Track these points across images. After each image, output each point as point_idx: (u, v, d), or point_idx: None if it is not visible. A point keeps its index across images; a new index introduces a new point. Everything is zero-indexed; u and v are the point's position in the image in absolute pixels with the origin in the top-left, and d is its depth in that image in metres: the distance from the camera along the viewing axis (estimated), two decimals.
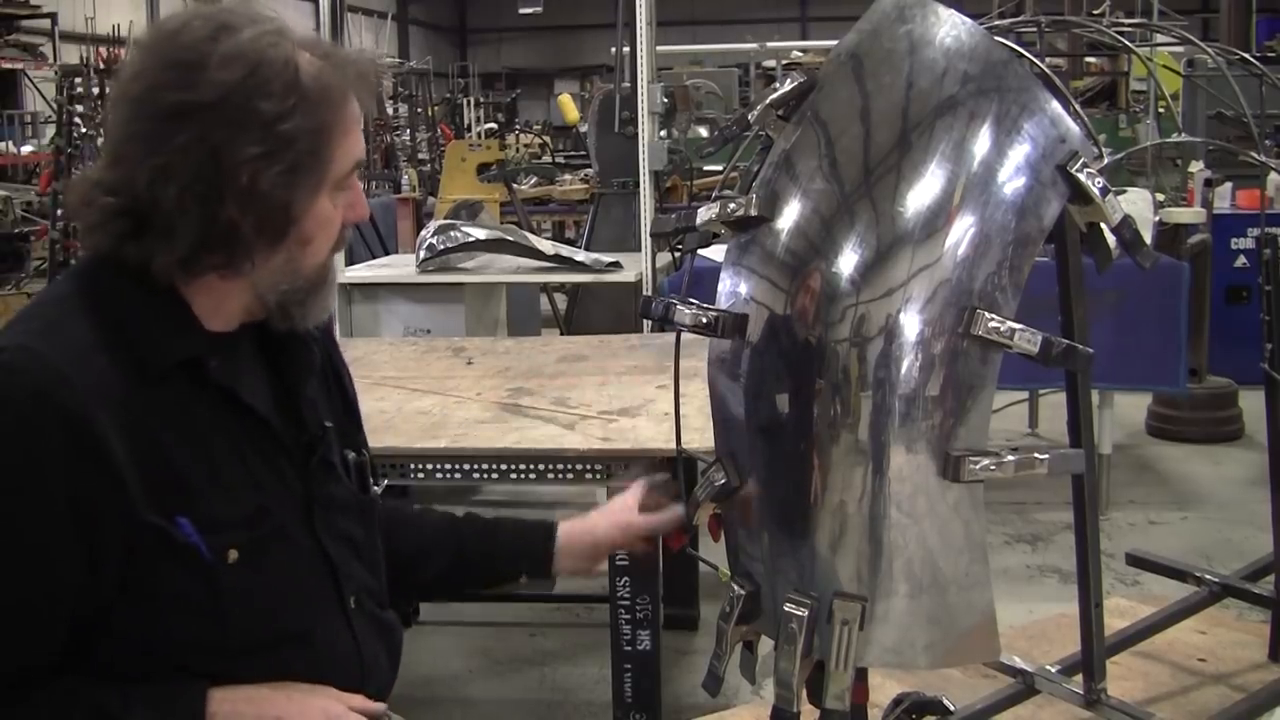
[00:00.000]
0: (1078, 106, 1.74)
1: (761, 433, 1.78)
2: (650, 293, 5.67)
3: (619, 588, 3.26)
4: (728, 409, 1.83)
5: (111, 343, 1.43)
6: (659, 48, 6.14)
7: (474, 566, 1.96)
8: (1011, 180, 1.69)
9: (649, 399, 3.57)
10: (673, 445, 3.13)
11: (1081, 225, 1.78)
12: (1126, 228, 1.74)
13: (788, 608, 1.73)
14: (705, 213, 1.81)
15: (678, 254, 6.20)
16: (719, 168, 8.31)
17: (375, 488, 1.73)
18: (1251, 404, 6.82)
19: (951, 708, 2.21)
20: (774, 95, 1.82)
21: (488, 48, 32.26)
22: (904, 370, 1.67)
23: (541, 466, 3.12)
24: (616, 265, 5.80)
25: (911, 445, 1.69)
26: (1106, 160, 1.73)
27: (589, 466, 3.12)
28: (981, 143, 1.69)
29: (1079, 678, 2.27)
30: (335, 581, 1.59)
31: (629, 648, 3.27)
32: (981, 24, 1.84)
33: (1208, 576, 2.58)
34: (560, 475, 3.14)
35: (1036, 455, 1.71)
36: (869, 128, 1.74)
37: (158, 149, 1.41)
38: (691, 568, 4.54)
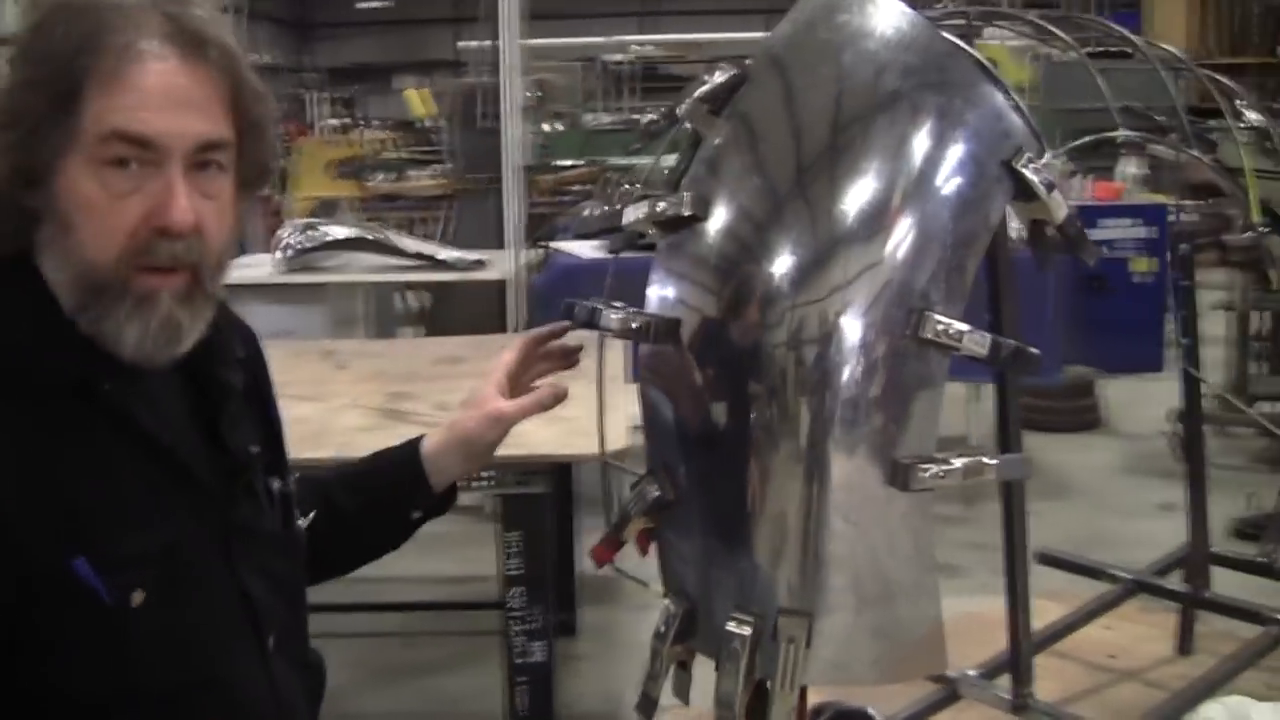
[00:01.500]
0: (1018, 100, 1.68)
1: (697, 442, 1.69)
2: (515, 292, 5.56)
3: (511, 598, 3.15)
4: (660, 418, 1.74)
5: None
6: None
7: (362, 533, 1.78)
8: (956, 176, 1.63)
9: None
10: (571, 451, 3.06)
11: (1024, 223, 1.72)
12: (1071, 225, 1.69)
13: (730, 626, 1.65)
14: (633, 212, 1.72)
15: (541, 249, 6.09)
16: (575, 162, 8.22)
17: (300, 521, 1.59)
18: (1108, 392, 6.96)
19: (877, 718, 2.15)
20: (703, 89, 1.73)
21: (330, 42, 31.68)
22: (848, 375, 1.60)
23: None
24: (481, 264, 5.67)
25: (857, 453, 1.61)
26: (1049, 156, 1.67)
27: (481, 474, 3.00)
28: (925, 138, 1.63)
29: (1001, 680, 2.24)
30: (254, 621, 1.46)
31: (521, 659, 3.17)
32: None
33: (1121, 574, 2.56)
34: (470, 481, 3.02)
35: (985, 460, 1.65)
36: (805, 123, 1.67)
37: None
38: (568, 571, 4.45)
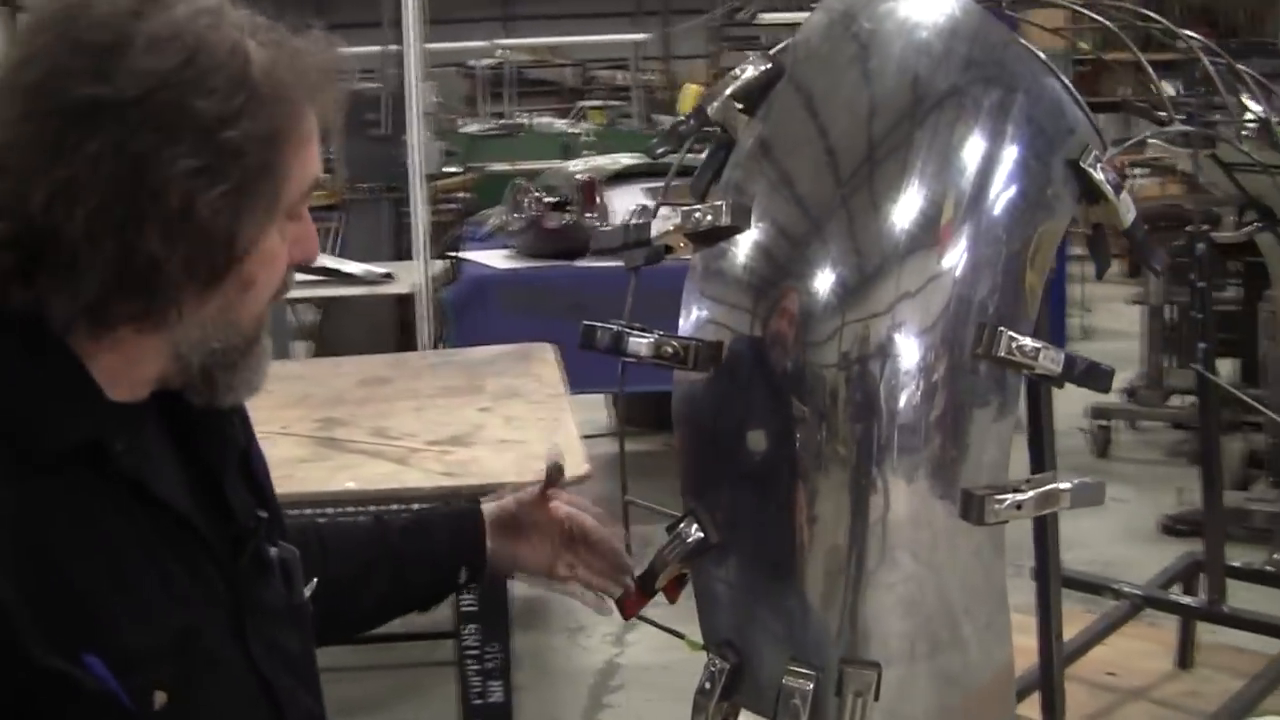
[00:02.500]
0: (1076, 93, 1.54)
1: (744, 479, 1.53)
2: (428, 306, 5.35)
3: (466, 635, 2.96)
4: (701, 453, 1.57)
5: None
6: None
7: (415, 574, 1.60)
8: (1022, 178, 1.49)
9: (477, 425, 3.27)
10: (520, 478, 2.88)
11: (1086, 226, 1.58)
12: (1138, 229, 1.56)
13: (788, 680, 1.49)
14: (663, 223, 1.55)
15: (451, 258, 5.87)
16: (456, 170, 8.02)
17: (305, 590, 1.39)
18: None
19: None
20: (735, 85, 1.57)
21: None
22: (917, 400, 1.45)
23: (395, 508, 2.79)
24: (389, 277, 5.46)
25: (929, 486, 1.47)
26: (1111, 152, 1.54)
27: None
28: (988, 137, 1.49)
29: (1023, 709, 2.10)
30: (278, 712, 1.26)
31: (479, 700, 2.98)
32: None
33: (1128, 589, 2.45)
34: None
35: (1059, 487, 1.51)
36: (856, 120, 1.51)
37: (60, 158, 1.06)
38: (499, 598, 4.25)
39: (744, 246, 1.52)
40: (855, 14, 1.55)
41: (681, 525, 1.55)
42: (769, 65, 1.56)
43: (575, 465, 2.89)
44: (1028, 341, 1.45)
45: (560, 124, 12.69)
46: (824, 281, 1.47)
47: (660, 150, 1.59)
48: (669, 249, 1.58)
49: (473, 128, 11.57)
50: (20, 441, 1.08)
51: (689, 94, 10.40)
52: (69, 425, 1.10)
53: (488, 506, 1.61)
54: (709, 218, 1.51)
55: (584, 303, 5.56)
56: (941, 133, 1.48)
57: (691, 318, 1.55)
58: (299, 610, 1.35)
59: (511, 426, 3.24)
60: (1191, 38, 1.80)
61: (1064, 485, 1.51)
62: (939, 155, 1.47)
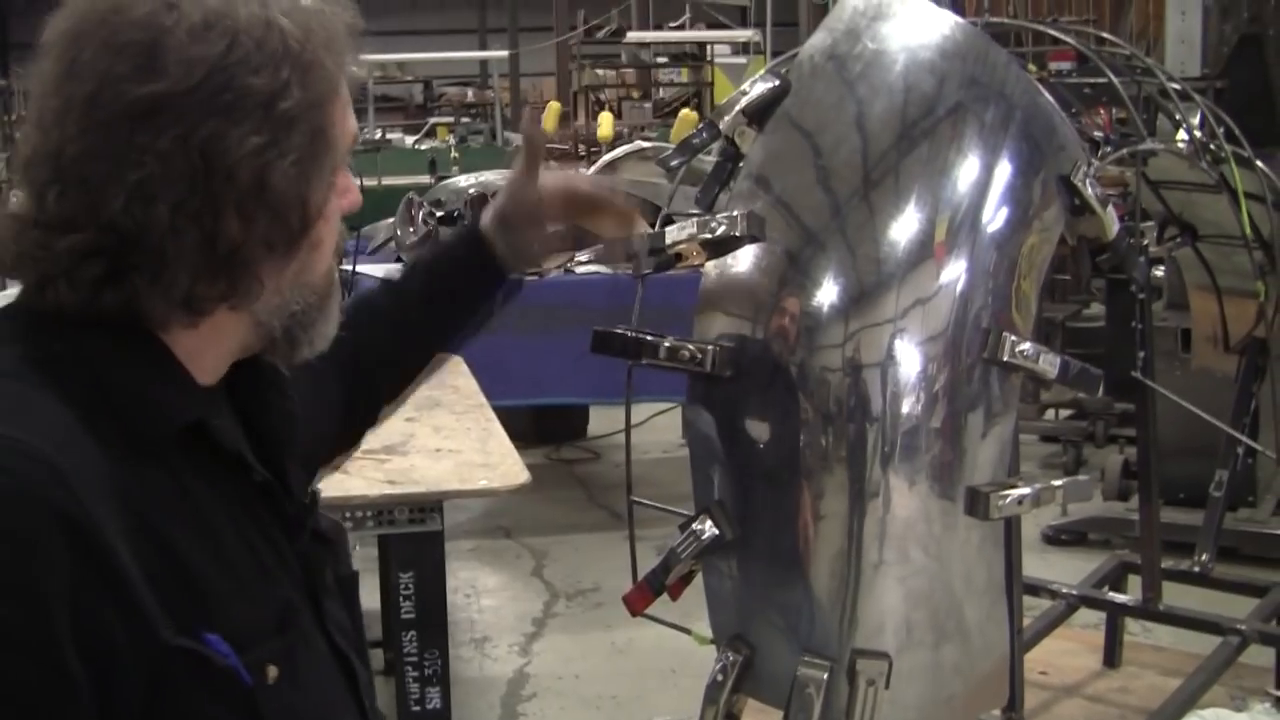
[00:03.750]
0: (1062, 112, 1.64)
1: (757, 479, 1.59)
2: None
3: (404, 643, 2.98)
4: (714, 453, 1.62)
5: (93, 415, 1.08)
6: None
7: (450, 307, 1.60)
8: (1020, 191, 1.58)
9: (408, 434, 3.28)
10: (464, 486, 2.91)
11: (1071, 239, 1.68)
12: (1121, 242, 1.66)
13: (803, 670, 1.55)
14: (678, 232, 1.60)
15: (344, 272, 5.84)
16: None
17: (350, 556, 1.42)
18: None
19: None
20: (745, 101, 1.63)
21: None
22: (927, 402, 1.53)
23: (345, 515, 2.80)
24: None
25: (936, 484, 1.55)
26: (1093, 167, 1.63)
27: (388, 513, 2.83)
28: (990, 153, 1.57)
29: None
30: (354, 687, 1.29)
31: (417, 708, 2.99)
32: None
33: (1063, 589, 2.56)
34: (361, 523, 2.83)
35: (1053, 484, 1.60)
36: (863, 136, 1.59)
37: (132, 160, 1.08)
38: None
39: (755, 257, 1.58)
40: (858, 34, 1.63)
41: (695, 523, 1.61)
42: (776, 82, 1.63)
43: (514, 475, 2.94)
44: (1028, 346, 1.54)
45: (410, 140, 12.66)
46: (831, 290, 1.54)
47: (673, 164, 1.65)
48: (680, 257, 1.63)
49: None
50: (129, 429, 1.09)
51: (552, 112, 10.47)
52: (174, 409, 1.12)
53: (485, 218, 1.58)
54: (724, 227, 1.57)
55: None
56: (945, 147, 1.56)
57: (708, 321, 1.61)
58: (346, 582, 1.37)
59: (441, 436, 3.26)
60: (1158, 66, 1.91)
61: (1057, 483, 1.61)
62: (942, 169, 1.55)
